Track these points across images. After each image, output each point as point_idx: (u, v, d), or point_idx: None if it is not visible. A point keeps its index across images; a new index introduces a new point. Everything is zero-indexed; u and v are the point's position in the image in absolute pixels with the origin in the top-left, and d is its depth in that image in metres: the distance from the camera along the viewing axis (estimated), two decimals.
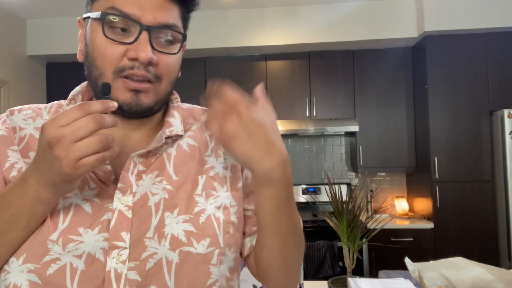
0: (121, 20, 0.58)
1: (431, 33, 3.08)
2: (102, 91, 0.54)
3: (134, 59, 0.58)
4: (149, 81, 0.61)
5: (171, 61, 0.63)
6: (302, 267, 1.36)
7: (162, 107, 0.68)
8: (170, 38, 0.62)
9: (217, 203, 0.64)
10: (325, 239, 2.95)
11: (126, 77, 0.59)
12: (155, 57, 0.59)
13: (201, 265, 0.60)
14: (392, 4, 3.22)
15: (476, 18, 3.00)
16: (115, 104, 0.51)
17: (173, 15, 0.62)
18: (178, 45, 0.63)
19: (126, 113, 0.61)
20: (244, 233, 0.70)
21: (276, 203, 0.61)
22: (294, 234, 0.66)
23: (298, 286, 1.35)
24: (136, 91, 0.60)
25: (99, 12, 0.59)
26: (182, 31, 0.64)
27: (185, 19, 0.66)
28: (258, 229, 0.66)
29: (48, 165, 0.50)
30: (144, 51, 0.58)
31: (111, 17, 0.58)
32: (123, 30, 0.59)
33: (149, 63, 0.59)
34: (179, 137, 0.68)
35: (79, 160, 0.48)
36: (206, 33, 3.33)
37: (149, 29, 0.58)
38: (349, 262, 1.41)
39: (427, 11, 3.04)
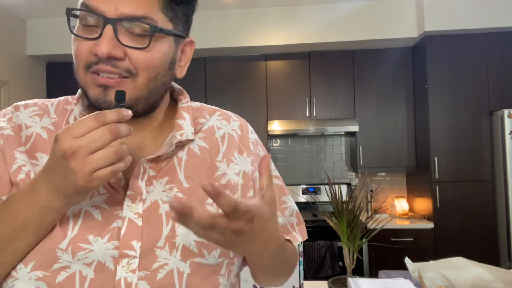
0: (87, 15, 0.56)
1: (431, 33, 3.07)
2: (116, 99, 0.53)
3: (96, 54, 0.55)
4: (121, 76, 0.57)
5: (145, 55, 0.57)
6: (302, 267, 1.36)
7: (154, 108, 0.64)
8: (141, 31, 0.56)
9: None
10: (325, 239, 2.95)
11: (95, 73, 0.57)
12: (119, 51, 0.55)
13: (211, 276, 0.60)
14: (392, 4, 3.22)
15: (476, 18, 3.00)
16: (130, 113, 0.50)
17: (142, 6, 0.56)
18: (148, 38, 0.57)
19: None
20: None
21: (265, 261, 0.62)
22: (283, 265, 0.70)
23: (298, 286, 1.34)
24: (105, 87, 0.56)
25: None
26: (157, 23, 0.57)
27: (171, 10, 0.60)
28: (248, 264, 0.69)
29: (61, 176, 0.49)
30: (101, 45, 0.54)
31: (75, 12, 0.57)
32: (93, 25, 0.56)
33: (111, 58, 0.55)
34: (190, 140, 0.66)
35: (94, 173, 0.47)
36: (206, 33, 3.33)
37: (113, 22, 0.55)
38: (349, 262, 1.40)
39: (427, 11, 3.04)
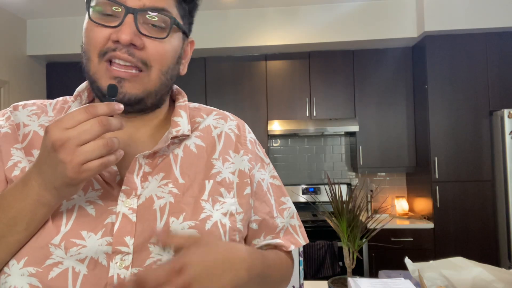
0: (107, 4, 0.57)
1: (431, 33, 3.07)
2: (108, 93, 0.53)
3: (117, 42, 0.56)
4: (136, 68, 0.58)
5: (161, 47, 0.59)
6: (302, 267, 1.36)
7: (161, 103, 0.66)
8: (160, 23, 0.59)
9: (224, 210, 0.63)
10: (325, 239, 2.95)
11: (110, 62, 0.57)
12: (139, 40, 0.57)
13: None
14: (392, 4, 3.22)
15: (476, 18, 3.00)
16: (121, 107, 0.50)
17: (164, 0, 0.59)
18: (168, 30, 0.60)
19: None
20: (244, 242, 0.69)
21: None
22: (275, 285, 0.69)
23: (298, 286, 1.35)
24: (119, 79, 0.57)
25: None
26: (174, 17, 0.60)
27: (182, 8, 0.63)
28: None
29: (51, 168, 0.48)
30: (125, 32, 0.56)
31: (95, 1, 0.57)
32: (111, 15, 0.57)
33: (132, 46, 0.57)
34: (186, 137, 0.66)
35: (83, 164, 0.47)
36: (206, 33, 3.33)
37: (134, 11, 0.56)
38: (349, 262, 1.40)
39: (427, 11, 3.04)
